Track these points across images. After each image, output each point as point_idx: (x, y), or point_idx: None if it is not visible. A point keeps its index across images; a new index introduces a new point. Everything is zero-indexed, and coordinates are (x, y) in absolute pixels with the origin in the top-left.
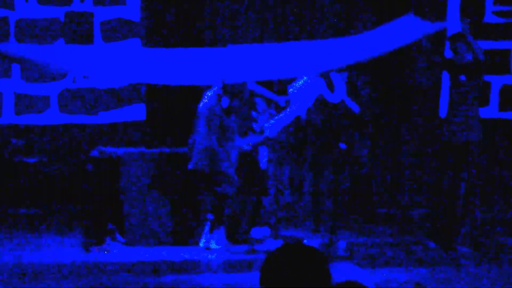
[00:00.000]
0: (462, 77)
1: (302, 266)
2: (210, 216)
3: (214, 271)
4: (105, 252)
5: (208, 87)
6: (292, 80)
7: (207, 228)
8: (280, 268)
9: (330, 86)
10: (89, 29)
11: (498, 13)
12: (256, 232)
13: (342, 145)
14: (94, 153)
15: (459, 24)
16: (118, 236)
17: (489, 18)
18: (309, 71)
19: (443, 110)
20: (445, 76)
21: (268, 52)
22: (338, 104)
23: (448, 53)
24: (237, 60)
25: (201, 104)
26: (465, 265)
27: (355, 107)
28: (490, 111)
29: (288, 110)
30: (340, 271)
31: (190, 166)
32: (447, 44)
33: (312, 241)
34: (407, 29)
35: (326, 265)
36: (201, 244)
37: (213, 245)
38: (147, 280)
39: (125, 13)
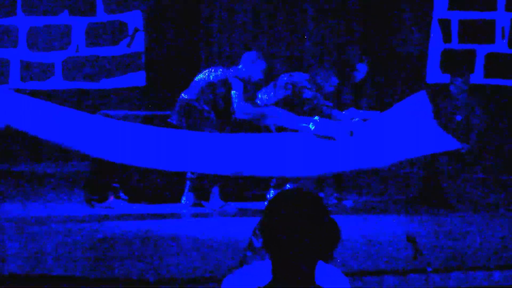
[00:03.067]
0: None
1: (301, 207)
2: (188, 175)
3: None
4: (107, 208)
5: None
6: None
7: (186, 187)
8: (280, 210)
9: None
10: (92, 0)
11: None
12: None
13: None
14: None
15: None
16: (121, 194)
17: None
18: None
19: (430, 77)
20: (432, 42)
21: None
22: None
23: None
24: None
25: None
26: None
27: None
28: (476, 78)
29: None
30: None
31: (169, 119)
32: None
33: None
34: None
35: (323, 207)
36: (182, 201)
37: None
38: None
39: None
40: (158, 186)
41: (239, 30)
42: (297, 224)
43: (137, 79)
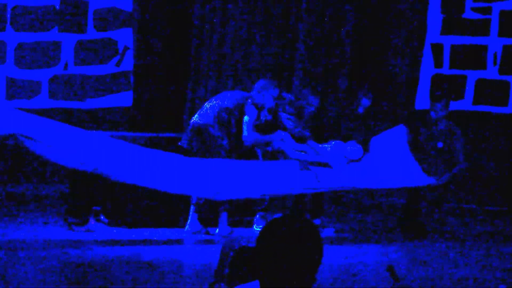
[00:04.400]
0: None
1: (295, 233)
2: (194, 200)
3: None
4: (88, 232)
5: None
6: None
7: (191, 213)
8: (274, 236)
9: None
10: (84, 17)
11: (476, 10)
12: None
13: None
14: None
15: None
16: (102, 217)
17: (469, 14)
18: None
19: (419, 103)
20: (424, 67)
21: None
22: None
23: None
24: None
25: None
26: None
27: None
28: (465, 104)
29: None
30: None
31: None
32: None
33: None
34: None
35: (318, 233)
36: (186, 228)
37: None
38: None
39: (118, 3)
40: (144, 210)
41: (230, 49)
42: (291, 252)
43: (124, 99)
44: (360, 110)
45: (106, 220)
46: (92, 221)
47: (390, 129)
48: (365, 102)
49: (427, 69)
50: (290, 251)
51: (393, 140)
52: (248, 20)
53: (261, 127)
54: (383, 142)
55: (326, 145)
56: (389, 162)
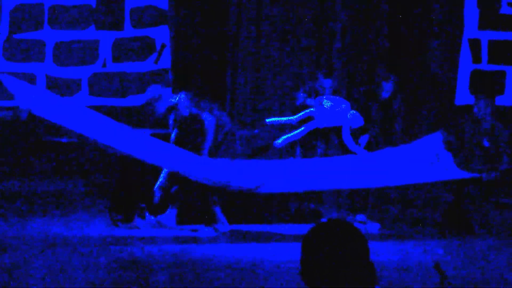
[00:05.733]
0: None
1: (341, 241)
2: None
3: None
4: (133, 229)
5: None
6: None
7: (218, 210)
8: (320, 243)
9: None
10: (120, 15)
11: None
12: None
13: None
14: None
15: None
16: (147, 214)
17: (505, 9)
18: None
19: (459, 98)
20: (462, 63)
21: None
22: None
23: None
24: None
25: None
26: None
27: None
28: (505, 100)
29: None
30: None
31: None
32: None
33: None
34: None
35: (365, 241)
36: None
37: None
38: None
39: (154, 1)
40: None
41: (266, 45)
42: (339, 258)
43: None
44: (384, 95)
45: (152, 217)
46: (136, 218)
47: (428, 136)
48: (386, 85)
49: (465, 65)
50: (337, 257)
51: (431, 144)
52: (284, 13)
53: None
54: (422, 145)
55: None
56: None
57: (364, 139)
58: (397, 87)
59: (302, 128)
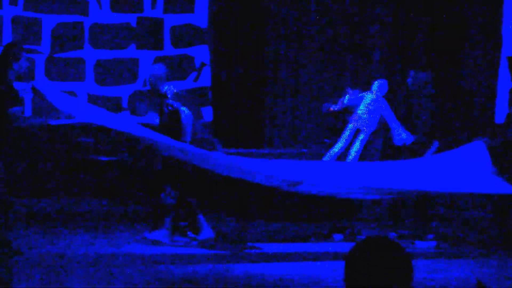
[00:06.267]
0: None
1: (385, 259)
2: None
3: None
4: (174, 247)
5: None
6: None
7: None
8: (363, 260)
9: None
10: (159, 34)
11: None
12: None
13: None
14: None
15: None
16: (189, 233)
17: None
18: None
19: (498, 117)
20: (501, 81)
21: None
22: None
23: None
24: None
25: None
26: None
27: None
28: None
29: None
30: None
31: None
32: None
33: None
34: None
35: (409, 261)
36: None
37: None
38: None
39: (193, 20)
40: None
41: (305, 64)
42: (382, 276)
43: (204, 114)
44: (411, 87)
45: (193, 236)
46: (177, 236)
47: (469, 144)
48: (414, 74)
49: (504, 83)
50: (381, 275)
51: (473, 154)
52: (322, 32)
53: None
54: (463, 154)
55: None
56: (466, 170)
57: (434, 144)
58: (426, 81)
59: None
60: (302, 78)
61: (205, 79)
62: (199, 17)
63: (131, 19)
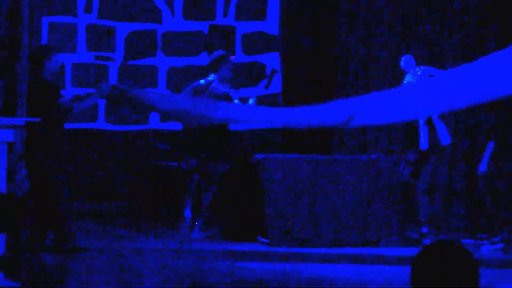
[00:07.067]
0: None
1: (452, 264)
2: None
3: None
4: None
5: None
6: None
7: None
8: (430, 264)
9: None
10: (231, 42)
11: None
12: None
13: None
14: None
15: None
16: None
17: None
18: None
19: None
20: None
21: None
22: None
23: None
24: None
25: None
26: None
27: None
28: None
29: None
30: None
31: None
32: None
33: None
34: None
35: (476, 267)
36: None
37: None
38: None
39: (265, 27)
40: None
41: (376, 69)
42: (449, 281)
43: None
44: None
45: (263, 240)
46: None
47: None
48: None
49: None
50: (447, 281)
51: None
52: (392, 34)
53: None
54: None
55: None
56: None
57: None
58: None
59: None
60: (373, 81)
61: (276, 86)
62: (271, 24)
63: (203, 27)
